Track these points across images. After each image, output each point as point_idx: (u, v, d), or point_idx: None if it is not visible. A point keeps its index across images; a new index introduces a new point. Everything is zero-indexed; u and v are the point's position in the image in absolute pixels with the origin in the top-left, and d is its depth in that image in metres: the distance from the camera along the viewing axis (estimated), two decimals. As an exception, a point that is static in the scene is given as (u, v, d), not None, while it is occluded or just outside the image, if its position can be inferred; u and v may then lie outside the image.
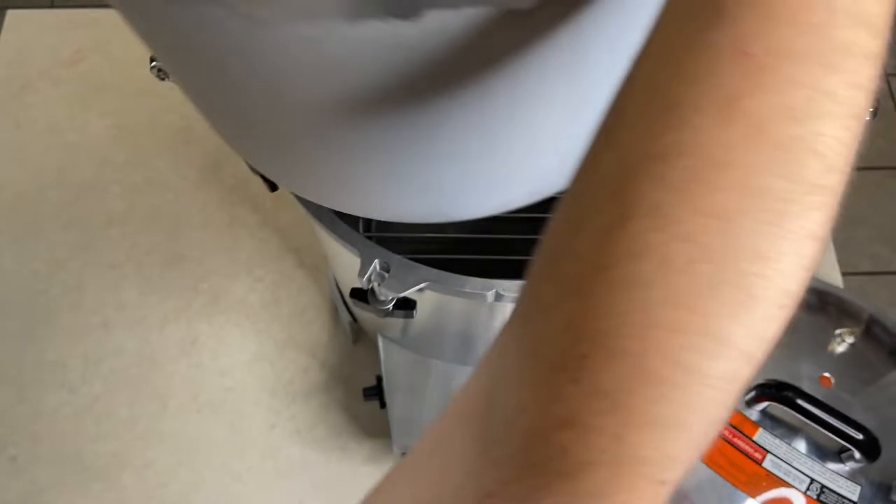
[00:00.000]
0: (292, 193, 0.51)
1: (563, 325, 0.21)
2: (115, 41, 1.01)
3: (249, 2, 0.23)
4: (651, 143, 0.21)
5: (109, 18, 1.03)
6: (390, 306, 0.49)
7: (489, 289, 0.48)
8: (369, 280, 0.48)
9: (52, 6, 2.10)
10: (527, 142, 0.32)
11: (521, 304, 0.24)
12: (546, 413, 0.21)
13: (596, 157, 0.23)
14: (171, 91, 0.58)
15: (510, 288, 0.48)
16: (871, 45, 0.21)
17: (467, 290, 0.48)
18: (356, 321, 0.78)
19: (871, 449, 0.65)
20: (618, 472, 0.21)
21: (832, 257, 0.87)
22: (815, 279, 0.82)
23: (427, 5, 0.23)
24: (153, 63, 0.52)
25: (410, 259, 0.49)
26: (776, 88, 0.20)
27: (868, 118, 0.37)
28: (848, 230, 1.72)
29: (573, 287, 0.21)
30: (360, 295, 0.49)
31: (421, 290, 0.48)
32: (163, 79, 0.52)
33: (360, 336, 0.82)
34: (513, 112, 0.30)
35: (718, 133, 0.20)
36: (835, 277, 0.85)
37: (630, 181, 0.21)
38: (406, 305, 0.50)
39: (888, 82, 1.91)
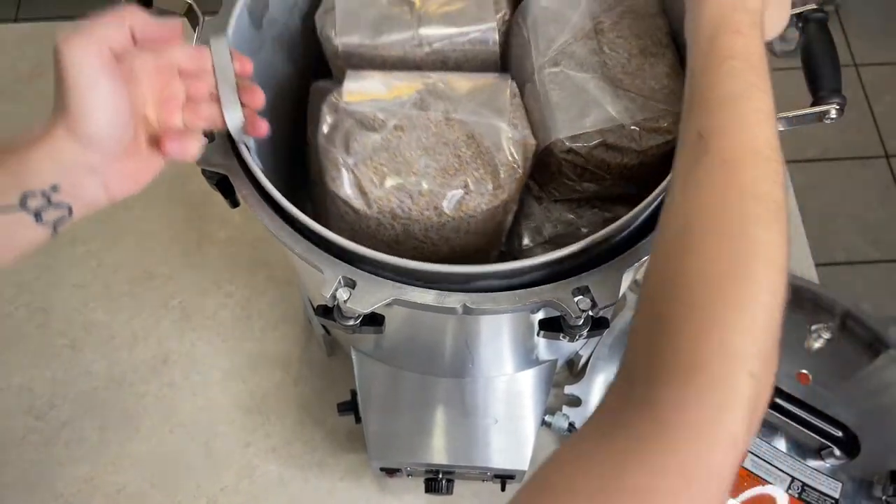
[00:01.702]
0: (251, 209, 0.50)
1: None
2: (74, 55, 0.99)
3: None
4: None
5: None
6: (358, 322, 0.48)
7: (458, 302, 0.47)
8: (334, 297, 0.46)
9: (15, 20, 2.07)
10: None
11: None
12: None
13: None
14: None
15: (479, 301, 0.47)
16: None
17: (435, 304, 0.47)
18: (329, 334, 0.77)
19: (850, 446, 0.65)
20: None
21: (806, 250, 0.86)
22: (789, 274, 0.82)
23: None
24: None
25: (376, 274, 0.48)
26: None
27: (837, 116, 0.46)
28: (821, 221, 1.73)
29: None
30: (327, 312, 0.48)
31: (388, 305, 0.47)
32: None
33: (334, 349, 0.80)
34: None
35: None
36: (810, 270, 0.85)
37: None
38: (374, 321, 0.49)
39: (858, 73, 1.93)
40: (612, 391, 0.37)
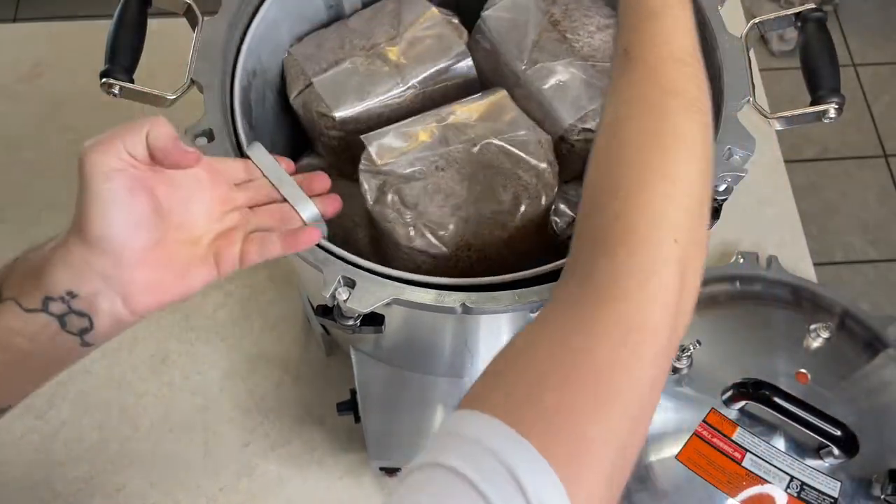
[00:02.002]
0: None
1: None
2: (73, 55, 0.98)
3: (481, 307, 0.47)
4: None
5: (68, 31, 1.01)
6: (357, 322, 0.48)
7: (457, 301, 0.47)
8: (334, 297, 0.46)
9: (14, 20, 2.06)
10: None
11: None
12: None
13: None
14: (131, 105, 0.56)
15: (478, 300, 0.47)
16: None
17: (435, 304, 0.47)
18: (329, 333, 0.77)
19: (849, 445, 0.65)
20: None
21: (805, 250, 0.86)
22: (788, 273, 0.82)
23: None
24: (103, 79, 0.51)
25: (375, 274, 0.48)
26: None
27: (836, 115, 0.47)
28: (820, 220, 1.73)
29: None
30: (327, 312, 0.48)
31: (388, 304, 0.47)
32: (115, 95, 0.51)
33: (333, 348, 0.80)
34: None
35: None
36: (808, 269, 0.85)
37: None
38: (374, 321, 0.49)
39: (856, 72, 1.93)
40: (557, 285, 0.40)
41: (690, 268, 0.38)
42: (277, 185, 0.48)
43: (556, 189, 0.58)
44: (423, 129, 0.58)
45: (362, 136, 0.58)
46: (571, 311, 0.37)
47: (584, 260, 0.39)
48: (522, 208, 0.56)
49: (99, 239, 0.39)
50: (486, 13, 0.64)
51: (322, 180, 0.50)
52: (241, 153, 0.52)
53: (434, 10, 0.64)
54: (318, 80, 0.61)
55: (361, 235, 0.62)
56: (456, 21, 0.66)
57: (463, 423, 0.33)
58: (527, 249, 0.58)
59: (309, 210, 0.47)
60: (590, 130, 0.60)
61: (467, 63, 0.63)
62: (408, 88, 0.62)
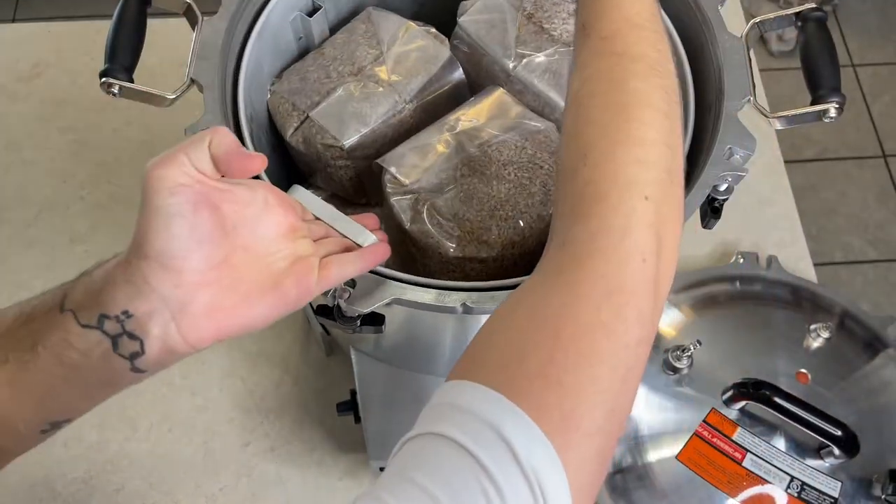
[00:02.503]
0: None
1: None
2: (73, 54, 0.98)
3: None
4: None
5: (68, 31, 1.01)
6: (358, 322, 0.48)
7: (458, 301, 0.47)
8: (335, 296, 0.46)
9: (13, 21, 2.06)
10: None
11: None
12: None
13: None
14: (131, 105, 0.56)
15: (479, 300, 0.47)
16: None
17: (435, 303, 0.47)
18: (329, 334, 0.77)
19: (850, 445, 0.64)
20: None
21: (804, 249, 0.86)
22: (788, 274, 0.82)
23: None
24: (103, 79, 0.51)
25: (376, 273, 0.48)
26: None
27: (836, 115, 0.47)
28: (819, 221, 1.73)
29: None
30: (327, 312, 0.48)
31: (388, 304, 0.47)
32: (114, 94, 0.51)
33: (333, 349, 0.80)
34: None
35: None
36: (808, 269, 0.85)
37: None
38: (374, 321, 0.49)
39: (856, 73, 1.93)
40: (543, 254, 0.40)
41: (666, 227, 0.38)
42: (330, 221, 0.47)
43: None
44: (435, 141, 0.59)
45: (378, 161, 0.59)
46: (552, 278, 0.37)
47: (561, 227, 0.39)
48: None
49: (160, 253, 0.37)
50: (462, 19, 0.65)
51: (372, 220, 0.50)
52: None
53: (410, 23, 0.65)
54: (316, 112, 0.61)
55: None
56: (433, 30, 0.66)
57: (454, 392, 0.34)
58: None
59: (369, 240, 0.47)
60: None
61: (456, 68, 0.65)
62: (407, 104, 0.62)
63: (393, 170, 0.57)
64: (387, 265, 0.50)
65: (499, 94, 0.62)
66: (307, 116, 0.61)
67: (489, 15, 0.65)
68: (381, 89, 0.62)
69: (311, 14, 0.65)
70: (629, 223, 0.37)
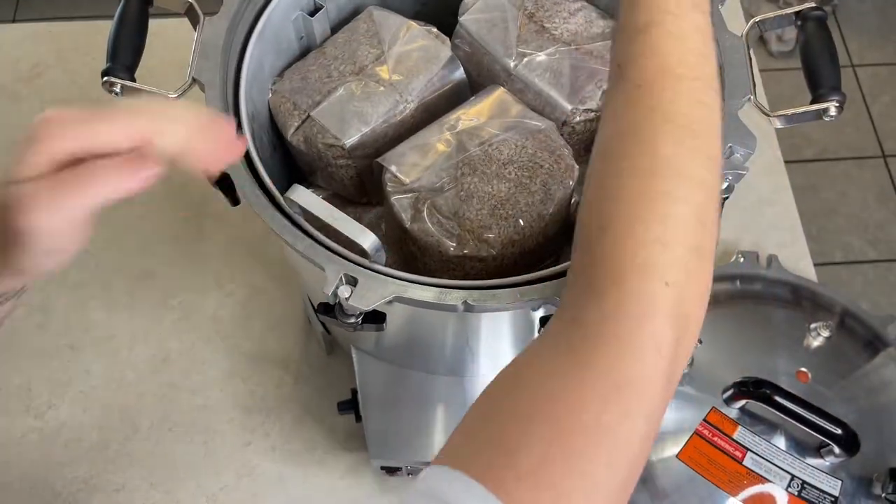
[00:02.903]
0: (251, 209, 0.50)
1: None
2: (73, 55, 0.98)
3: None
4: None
5: (68, 31, 1.01)
6: (359, 320, 0.48)
7: (459, 299, 0.47)
8: (336, 294, 0.46)
9: (13, 21, 2.06)
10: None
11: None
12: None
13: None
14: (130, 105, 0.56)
15: (480, 298, 0.47)
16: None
17: (436, 301, 0.47)
18: (329, 332, 0.77)
19: (850, 444, 0.65)
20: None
21: (804, 249, 0.87)
22: (788, 273, 0.82)
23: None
24: (105, 78, 0.51)
25: (377, 272, 0.48)
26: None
27: (836, 114, 0.47)
28: (819, 221, 1.73)
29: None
30: (328, 310, 0.48)
31: (390, 302, 0.47)
32: (116, 94, 0.51)
33: (334, 347, 0.80)
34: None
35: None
36: (808, 269, 0.85)
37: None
38: (376, 319, 0.49)
39: (855, 73, 1.93)
40: (552, 319, 0.39)
41: (689, 309, 0.36)
42: (331, 222, 0.49)
43: (576, 169, 0.59)
44: (436, 140, 0.59)
45: (378, 160, 0.59)
46: (561, 357, 0.35)
47: (573, 301, 0.37)
48: (554, 194, 0.57)
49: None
50: (463, 18, 0.65)
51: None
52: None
53: (411, 22, 0.65)
54: (317, 111, 0.61)
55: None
56: (435, 30, 0.66)
57: (439, 482, 0.32)
58: (557, 233, 0.59)
59: (370, 239, 0.48)
60: (589, 110, 0.62)
61: (457, 68, 0.65)
62: (408, 103, 0.63)
63: (393, 168, 0.58)
64: (388, 264, 0.50)
65: (499, 93, 0.62)
66: (308, 116, 0.61)
67: (490, 14, 0.65)
68: (382, 89, 0.62)
69: (312, 13, 0.65)
70: (646, 312, 0.34)
